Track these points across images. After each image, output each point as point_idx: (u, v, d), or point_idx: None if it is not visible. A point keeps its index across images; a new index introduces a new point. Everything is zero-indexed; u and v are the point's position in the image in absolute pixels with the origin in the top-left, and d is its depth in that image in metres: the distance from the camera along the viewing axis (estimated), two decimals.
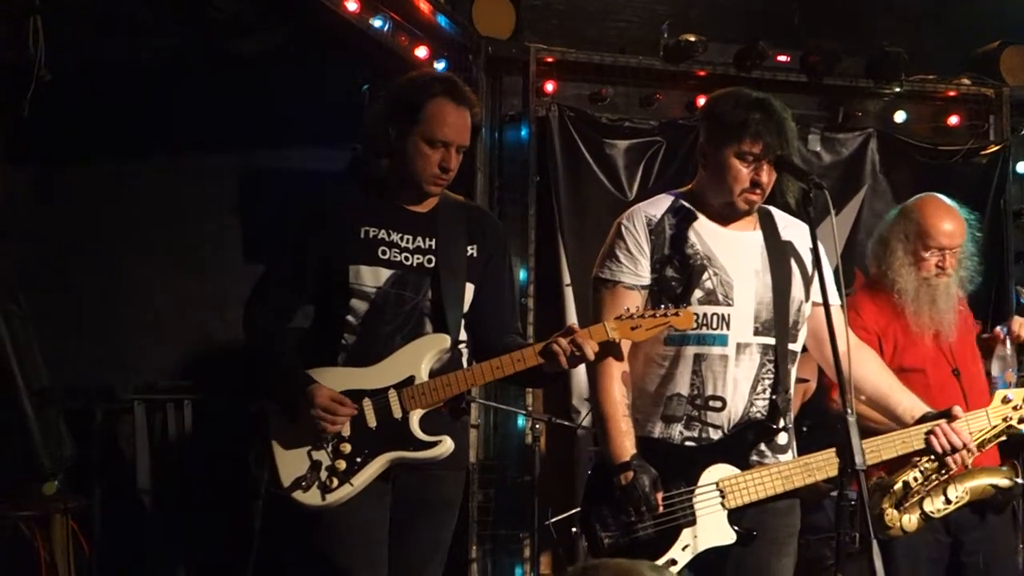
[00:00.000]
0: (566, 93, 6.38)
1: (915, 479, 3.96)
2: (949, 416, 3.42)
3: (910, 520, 4.02)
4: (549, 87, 6.29)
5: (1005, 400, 3.52)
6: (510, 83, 6.34)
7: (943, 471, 3.90)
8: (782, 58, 6.50)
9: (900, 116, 6.78)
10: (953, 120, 6.85)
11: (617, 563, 2.00)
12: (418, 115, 3.48)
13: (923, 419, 3.47)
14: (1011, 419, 3.52)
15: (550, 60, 6.28)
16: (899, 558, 4.09)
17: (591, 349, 3.33)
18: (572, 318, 5.87)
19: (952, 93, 6.84)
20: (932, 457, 3.80)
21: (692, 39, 6.30)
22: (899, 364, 4.10)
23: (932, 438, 3.41)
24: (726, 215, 3.49)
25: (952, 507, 4.01)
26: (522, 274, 6.04)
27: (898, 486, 3.99)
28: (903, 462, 4.02)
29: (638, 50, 6.49)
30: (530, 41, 6.29)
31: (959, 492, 4.02)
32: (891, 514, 4.03)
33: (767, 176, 3.38)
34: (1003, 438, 3.69)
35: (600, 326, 3.37)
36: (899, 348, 4.19)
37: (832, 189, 6.77)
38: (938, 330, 4.17)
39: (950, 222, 4.20)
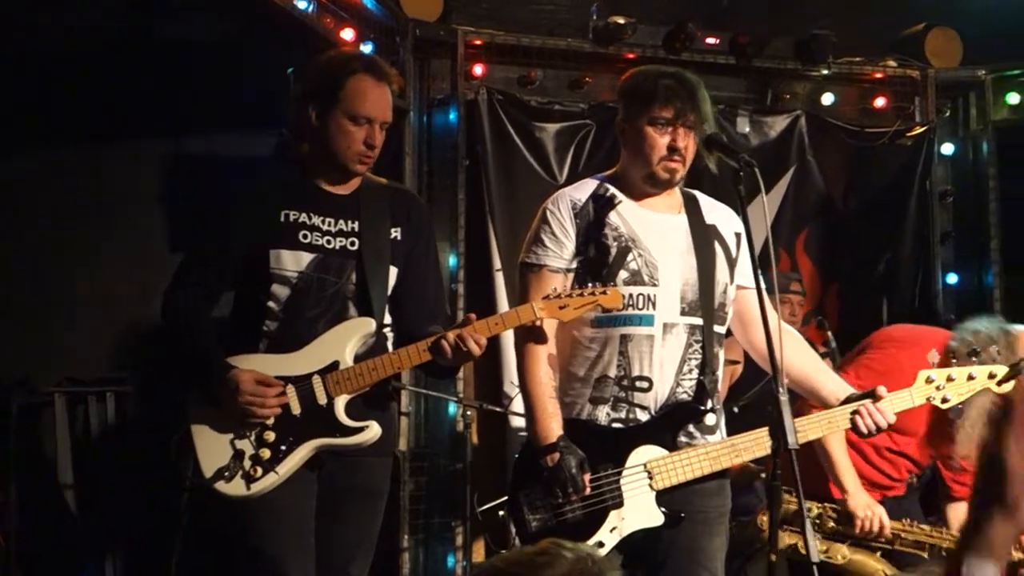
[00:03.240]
0: (495, 76, 6.32)
1: (808, 510, 4.00)
2: (874, 396, 3.44)
3: (780, 538, 4.09)
4: (478, 70, 6.23)
5: (928, 380, 3.55)
6: (438, 66, 6.27)
7: (842, 526, 4.01)
8: (711, 40, 6.49)
9: (828, 98, 6.81)
10: (880, 102, 6.89)
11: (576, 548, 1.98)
12: (339, 93, 3.43)
13: (848, 400, 3.48)
14: (934, 398, 3.55)
15: (478, 43, 6.23)
16: None
17: (475, 345, 3.32)
18: (503, 303, 5.84)
19: (879, 75, 6.88)
20: (838, 513, 3.98)
21: (621, 21, 6.27)
22: None
23: (857, 418, 3.43)
24: (651, 194, 3.49)
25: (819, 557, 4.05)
26: (452, 259, 6.00)
27: (792, 505, 4.05)
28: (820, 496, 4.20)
29: (567, 32, 6.45)
30: (458, 23, 6.23)
31: (836, 553, 4.13)
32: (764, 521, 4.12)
33: (683, 141, 3.40)
34: None
35: (528, 306, 3.36)
36: None
37: (760, 171, 6.81)
38: None
39: None
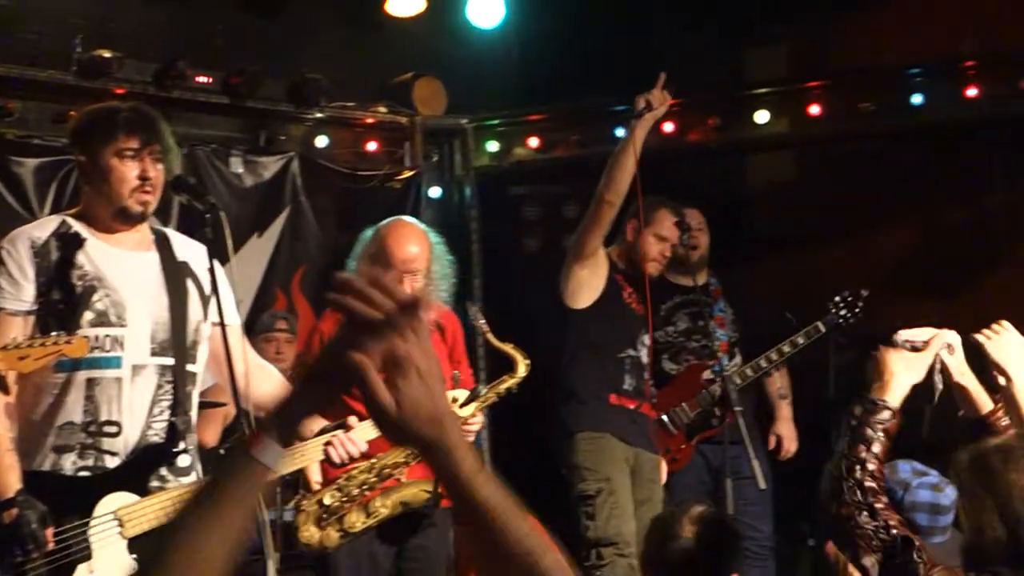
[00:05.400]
0: None
1: (331, 496, 4.07)
2: (345, 427, 3.54)
3: (329, 536, 4.12)
4: None
5: None
6: None
7: (364, 487, 4.05)
8: (202, 79, 6.42)
9: (321, 141, 6.95)
10: (372, 146, 7.12)
11: None
12: None
13: (323, 431, 3.56)
14: None
15: None
16: (342, 569, 4.19)
17: None
18: None
19: (370, 120, 7.12)
20: (347, 475, 3.98)
21: (107, 55, 6.03)
22: None
23: (330, 448, 3.52)
24: (120, 230, 3.43)
25: (372, 520, 4.14)
26: None
27: (312, 506, 4.08)
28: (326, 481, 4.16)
29: (50, 63, 6.14)
30: None
31: (378, 506, 4.17)
32: (310, 531, 4.11)
33: (154, 171, 3.36)
34: None
35: None
36: None
37: (255, 211, 6.79)
38: None
39: (413, 246, 4.24)
